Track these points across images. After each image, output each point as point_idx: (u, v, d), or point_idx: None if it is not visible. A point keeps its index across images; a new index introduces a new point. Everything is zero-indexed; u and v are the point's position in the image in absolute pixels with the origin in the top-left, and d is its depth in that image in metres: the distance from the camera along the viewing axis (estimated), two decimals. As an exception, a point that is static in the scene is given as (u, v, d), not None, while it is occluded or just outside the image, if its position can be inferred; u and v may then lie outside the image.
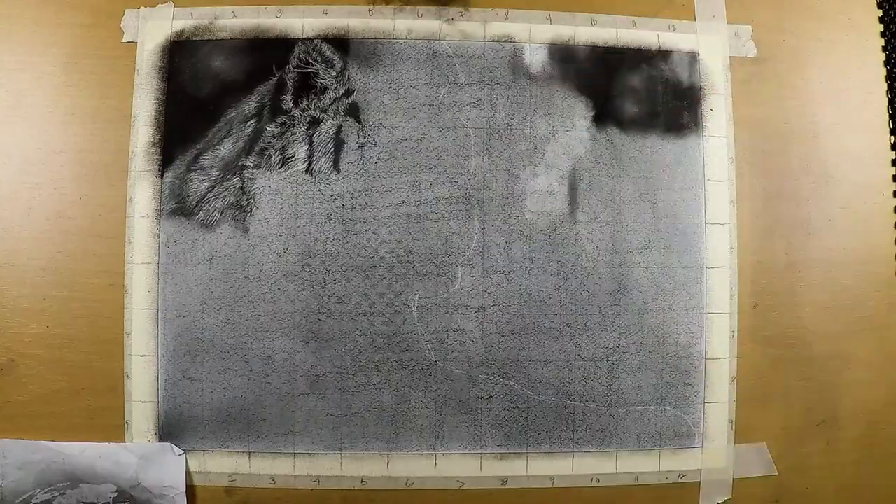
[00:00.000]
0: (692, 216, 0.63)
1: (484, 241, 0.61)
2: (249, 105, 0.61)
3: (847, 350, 0.64)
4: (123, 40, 0.62)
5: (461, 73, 0.62)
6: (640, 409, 0.62)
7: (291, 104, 0.61)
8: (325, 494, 0.61)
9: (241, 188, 0.61)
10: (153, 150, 0.61)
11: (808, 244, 0.64)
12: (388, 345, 0.61)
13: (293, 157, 0.61)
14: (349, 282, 0.61)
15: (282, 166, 0.61)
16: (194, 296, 0.60)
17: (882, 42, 0.67)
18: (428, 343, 0.61)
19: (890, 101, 0.66)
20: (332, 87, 0.62)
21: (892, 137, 0.66)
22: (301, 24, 0.62)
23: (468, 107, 0.62)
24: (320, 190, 0.61)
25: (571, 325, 0.62)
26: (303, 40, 0.62)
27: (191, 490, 0.60)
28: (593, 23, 0.64)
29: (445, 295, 0.61)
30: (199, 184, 0.61)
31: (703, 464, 0.62)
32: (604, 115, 0.63)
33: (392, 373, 0.61)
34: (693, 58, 0.64)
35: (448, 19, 0.63)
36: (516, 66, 0.63)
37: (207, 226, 0.61)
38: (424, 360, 0.61)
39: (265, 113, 0.61)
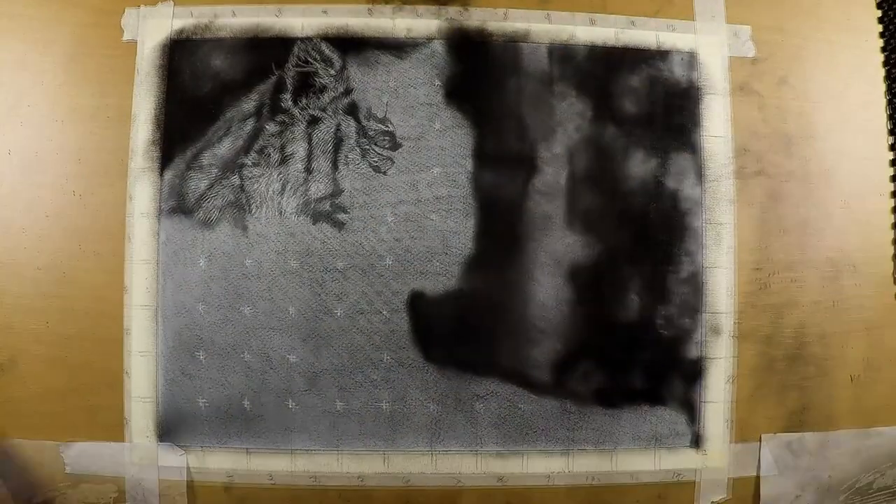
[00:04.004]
0: (691, 216, 0.63)
1: (483, 241, 0.62)
2: (249, 104, 0.62)
3: (845, 350, 0.64)
4: (124, 39, 0.62)
5: (460, 73, 0.62)
6: (637, 408, 0.62)
7: (291, 103, 0.62)
8: (323, 492, 0.61)
9: (241, 187, 0.61)
10: (153, 148, 0.61)
11: (807, 244, 0.64)
12: (386, 343, 0.61)
13: (292, 155, 0.61)
14: (347, 280, 0.61)
15: (281, 165, 0.61)
16: (193, 294, 0.61)
17: (881, 42, 0.66)
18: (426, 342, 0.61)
19: (889, 102, 0.66)
20: (332, 86, 0.62)
21: (891, 138, 0.66)
22: (300, 23, 0.62)
23: (467, 106, 0.62)
24: (319, 188, 0.61)
25: (570, 325, 0.62)
26: (302, 39, 0.62)
27: (190, 487, 0.61)
28: (592, 22, 0.64)
29: (444, 294, 0.61)
30: (198, 182, 0.61)
31: (700, 463, 0.63)
32: (602, 115, 0.63)
33: (390, 371, 0.61)
34: (692, 58, 0.64)
35: (447, 18, 0.63)
36: (515, 66, 0.63)
37: (207, 224, 0.61)
38: (422, 358, 0.61)
39: (264, 112, 0.62)
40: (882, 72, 0.66)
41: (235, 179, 0.61)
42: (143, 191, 0.61)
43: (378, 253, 0.61)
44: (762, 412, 0.63)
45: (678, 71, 0.64)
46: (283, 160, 0.61)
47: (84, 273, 0.61)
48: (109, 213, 0.61)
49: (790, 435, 0.63)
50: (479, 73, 0.63)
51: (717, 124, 0.64)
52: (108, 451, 0.60)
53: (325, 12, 0.63)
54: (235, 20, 0.62)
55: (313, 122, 0.61)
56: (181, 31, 0.62)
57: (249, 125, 0.61)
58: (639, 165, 0.63)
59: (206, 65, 0.62)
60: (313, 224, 0.61)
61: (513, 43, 0.63)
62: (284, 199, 0.61)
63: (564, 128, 0.62)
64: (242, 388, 0.61)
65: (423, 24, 0.63)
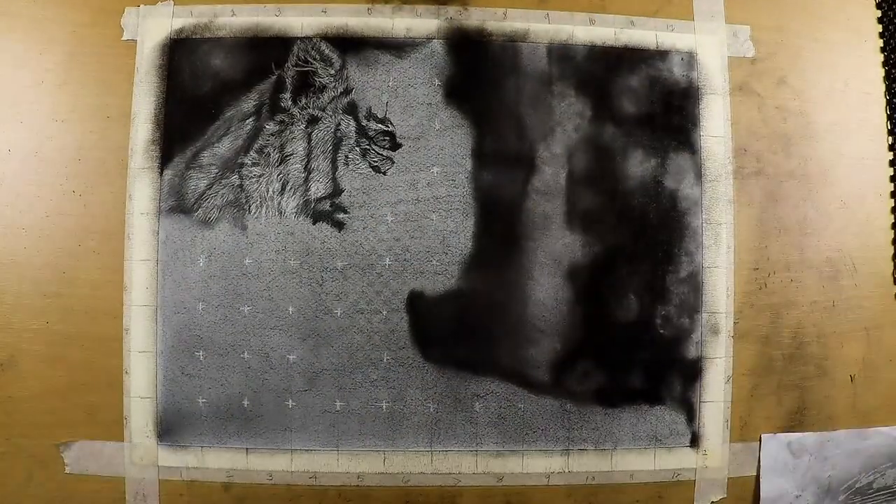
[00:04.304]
0: (690, 216, 0.63)
1: (482, 241, 0.62)
2: (248, 103, 0.62)
3: (844, 350, 0.64)
4: (123, 38, 0.62)
5: (459, 73, 0.62)
6: (636, 407, 0.62)
7: (290, 102, 0.62)
8: (322, 491, 0.61)
9: (240, 186, 0.61)
10: (153, 147, 0.61)
11: (806, 244, 0.64)
12: (385, 342, 0.61)
13: (292, 154, 0.61)
14: (347, 280, 0.61)
15: (280, 164, 0.61)
16: (193, 293, 0.61)
17: (881, 43, 0.67)
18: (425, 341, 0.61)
19: (888, 102, 0.66)
20: (331, 86, 0.62)
21: (890, 138, 0.66)
22: (300, 22, 0.62)
23: (466, 106, 0.62)
24: (319, 188, 0.61)
25: (569, 324, 0.62)
26: (302, 39, 0.62)
27: (189, 486, 0.61)
28: (592, 22, 0.64)
29: (443, 293, 0.61)
30: (198, 181, 0.61)
31: (699, 463, 0.63)
32: (601, 115, 0.63)
33: (389, 370, 0.61)
34: (691, 57, 0.64)
35: (447, 18, 0.63)
36: (515, 66, 0.63)
37: (206, 223, 0.61)
38: (421, 357, 0.61)
39: (264, 111, 0.62)
40: (882, 72, 0.66)
41: (235, 179, 0.61)
42: (142, 190, 0.61)
43: (377, 252, 0.61)
44: (761, 412, 0.63)
45: (677, 71, 0.64)
46: (283, 160, 0.61)
47: (84, 272, 0.61)
48: (109, 213, 0.61)
49: (790, 435, 0.63)
50: (478, 72, 0.63)
51: (716, 124, 0.64)
52: (108, 450, 0.60)
53: (324, 12, 0.63)
54: (235, 20, 0.62)
55: (313, 121, 0.62)
56: (181, 31, 0.62)
57: (249, 124, 0.62)
58: (638, 165, 0.63)
59: (206, 64, 0.62)
60: (313, 224, 0.61)
61: (512, 42, 0.63)
62: (284, 198, 0.61)
63: (563, 127, 0.63)
64: (242, 388, 0.61)
65: (422, 23, 0.63)
